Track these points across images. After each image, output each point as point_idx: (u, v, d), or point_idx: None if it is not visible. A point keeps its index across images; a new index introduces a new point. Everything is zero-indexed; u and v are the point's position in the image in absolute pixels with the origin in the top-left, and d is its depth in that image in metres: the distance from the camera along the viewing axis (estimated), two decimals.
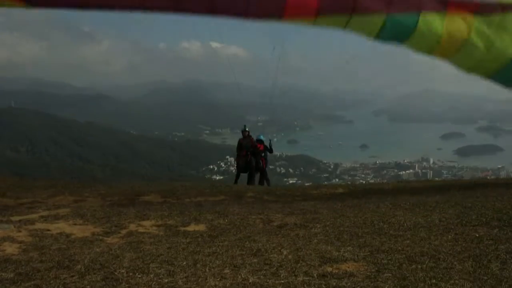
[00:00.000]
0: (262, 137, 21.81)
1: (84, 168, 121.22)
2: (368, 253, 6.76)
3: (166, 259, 6.59)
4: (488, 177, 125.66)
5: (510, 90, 15.19)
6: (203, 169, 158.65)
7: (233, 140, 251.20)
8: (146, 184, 20.15)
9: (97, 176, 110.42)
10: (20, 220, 9.14)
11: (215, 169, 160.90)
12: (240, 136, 22.93)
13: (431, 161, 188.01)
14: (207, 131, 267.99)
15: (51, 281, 5.70)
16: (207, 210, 10.56)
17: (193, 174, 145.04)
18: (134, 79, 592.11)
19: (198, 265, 6.28)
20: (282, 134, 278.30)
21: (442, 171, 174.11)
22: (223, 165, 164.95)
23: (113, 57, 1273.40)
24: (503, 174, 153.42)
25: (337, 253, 6.77)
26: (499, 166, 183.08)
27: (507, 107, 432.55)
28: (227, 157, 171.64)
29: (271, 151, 23.69)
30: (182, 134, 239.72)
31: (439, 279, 5.56)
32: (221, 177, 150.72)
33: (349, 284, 5.48)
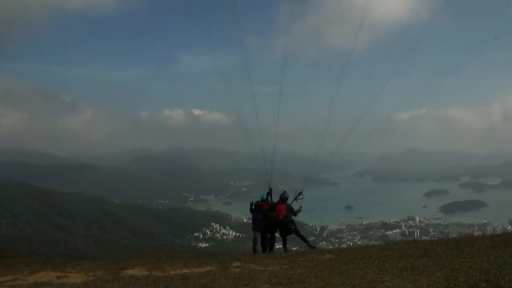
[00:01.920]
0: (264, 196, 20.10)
1: (67, 240, 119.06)
2: None
3: None
4: (475, 233, 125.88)
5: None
6: (189, 237, 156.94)
7: (217, 206, 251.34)
8: (130, 256, 19.78)
9: (80, 247, 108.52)
10: None
11: (201, 236, 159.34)
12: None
13: (417, 220, 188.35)
14: (192, 198, 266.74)
15: None
16: (193, 284, 10.39)
17: (178, 242, 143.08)
18: (117, 148, 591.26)
19: None
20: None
21: (429, 229, 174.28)
22: (208, 232, 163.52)
23: (96, 126, 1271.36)
24: (489, 230, 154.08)
25: None
26: (485, 222, 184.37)
27: (488, 162, 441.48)
28: (212, 224, 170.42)
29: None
30: (166, 202, 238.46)
31: None
32: (207, 244, 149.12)
33: None
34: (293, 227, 19.40)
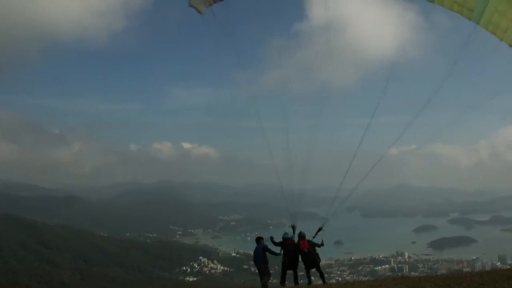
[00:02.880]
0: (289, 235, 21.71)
1: (52, 273, 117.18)
2: None
3: None
4: (464, 270, 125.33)
5: None
6: (176, 270, 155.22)
7: (206, 240, 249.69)
8: None
9: (66, 281, 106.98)
10: None
11: (188, 270, 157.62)
12: None
13: (406, 255, 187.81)
14: (180, 232, 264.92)
15: None
16: None
17: (166, 276, 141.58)
18: (105, 181, 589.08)
19: None
20: (256, 233, 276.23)
21: (418, 264, 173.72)
22: (196, 266, 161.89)
23: (84, 158, 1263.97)
24: (478, 266, 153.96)
25: None
26: (474, 258, 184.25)
27: (477, 198, 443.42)
28: (200, 257, 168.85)
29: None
30: (154, 235, 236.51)
31: None
32: (195, 278, 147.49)
33: None
34: (318, 260, 21.02)
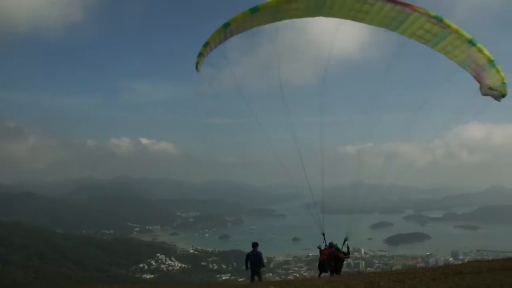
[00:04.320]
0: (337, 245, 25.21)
1: (4, 271, 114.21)
2: None
3: None
4: (418, 265, 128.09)
5: None
6: (133, 267, 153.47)
7: (163, 237, 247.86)
8: None
9: (18, 279, 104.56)
10: None
11: (145, 267, 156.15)
12: None
13: (363, 251, 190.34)
14: (137, 229, 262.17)
15: None
16: None
17: (122, 273, 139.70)
18: (62, 176, 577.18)
19: None
20: (214, 230, 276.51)
21: (374, 260, 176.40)
22: (153, 263, 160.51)
23: (40, 153, 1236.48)
24: (432, 261, 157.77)
25: None
26: (428, 254, 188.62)
27: (431, 196, 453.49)
28: (158, 254, 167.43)
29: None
30: (111, 232, 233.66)
31: None
32: (152, 276, 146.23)
33: None
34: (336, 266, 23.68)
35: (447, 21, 17.74)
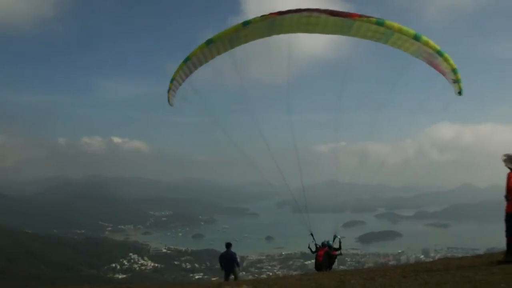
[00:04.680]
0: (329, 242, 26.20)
1: None
2: None
3: None
4: (390, 263, 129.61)
5: None
6: (105, 267, 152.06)
7: (136, 236, 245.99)
8: None
9: None
10: None
11: (118, 267, 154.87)
12: None
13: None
14: (109, 228, 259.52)
15: None
16: None
17: (94, 273, 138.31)
18: (31, 175, 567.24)
19: None
20: (187, 229, 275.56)
21: (346, 258, 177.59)
22: (126, 263, 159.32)
23: (8, 152, 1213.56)
24: (403, 259, 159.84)
25: None
26: (399, 251, 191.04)
27: (402, 194, 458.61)
28: (130, 254, 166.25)
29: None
30: (83, 231, 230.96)
31: None
32: (124, 276, 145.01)
33: None
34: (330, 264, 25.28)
35: (389, 22, 18.73)
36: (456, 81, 19.73)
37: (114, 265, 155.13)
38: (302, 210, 26.26)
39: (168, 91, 20.99)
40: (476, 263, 15.17)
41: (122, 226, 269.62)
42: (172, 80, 20.65)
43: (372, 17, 18.65)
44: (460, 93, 20.09)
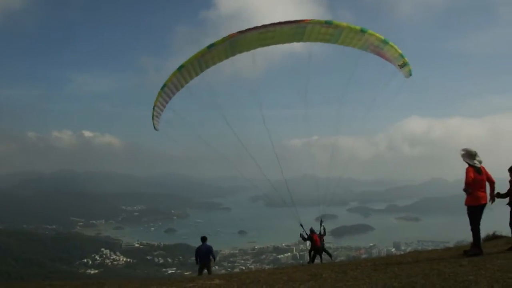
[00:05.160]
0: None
1: None
2: None
3: None
4: (362, 256, 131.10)
5: None
6: (77, 263, 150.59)
7: (108, 231, 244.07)
8: (10, 285, 18.74)
9: None
10: None
11: (90, 262, 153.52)
12: None
13: (308, 244, 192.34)
14: (81, 223, 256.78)
15: None
16: None
17: (65, 269, 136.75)
18: (0, 170, 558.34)
19: None
20: (160, 223, 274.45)
21: None
22: (98, 258, 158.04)
23: None
24: (375, 252, 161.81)
25: None
26: (371, 245, 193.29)
27: (374, 188, 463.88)
28: (102, 249, 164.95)
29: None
30: (54, 227, 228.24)
31: None
32: (96, 271, 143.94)
33: None
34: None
35: (337, 22, 20.63)
36: (404, 64, 21.31)
37: (86, 260, 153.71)
38: (288, 203, 28.74)
39: (152, 118, 22.08)
40: (445, 255, 15.46)
41: (94, 221, 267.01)
42: (154, 107, 21.72)
43: (321, 19, 20.42)
44: (410, 74, 21.81)
